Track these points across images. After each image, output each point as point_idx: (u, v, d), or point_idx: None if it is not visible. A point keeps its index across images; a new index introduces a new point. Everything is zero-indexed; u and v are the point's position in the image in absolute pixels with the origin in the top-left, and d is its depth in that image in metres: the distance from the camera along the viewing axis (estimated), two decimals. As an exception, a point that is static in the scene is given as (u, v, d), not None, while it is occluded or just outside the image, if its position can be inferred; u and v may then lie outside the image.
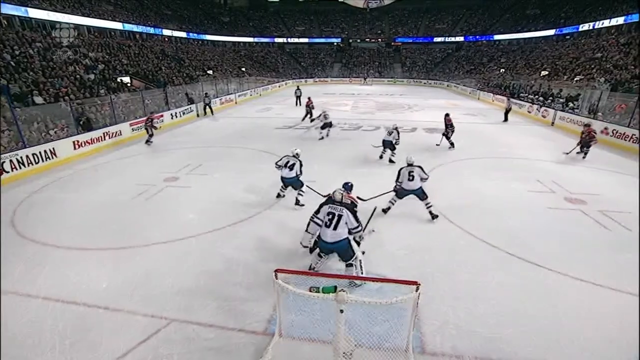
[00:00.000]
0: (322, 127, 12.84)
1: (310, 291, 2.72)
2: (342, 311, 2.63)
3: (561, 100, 18.15)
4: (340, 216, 4.12)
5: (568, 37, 34.64)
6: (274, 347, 3.40)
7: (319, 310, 3.52)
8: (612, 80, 18.69)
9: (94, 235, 5.84)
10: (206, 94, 18.93)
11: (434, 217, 6.26)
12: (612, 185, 8.19)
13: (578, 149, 10.30)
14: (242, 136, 13.57)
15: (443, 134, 11.58)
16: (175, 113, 16.64)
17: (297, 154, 6.87)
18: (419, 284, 2.85)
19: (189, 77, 25.85)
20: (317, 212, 4.35)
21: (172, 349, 3.53)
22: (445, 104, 24.05)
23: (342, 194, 4.33)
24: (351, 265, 4.24)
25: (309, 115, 15.83)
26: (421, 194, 6.24)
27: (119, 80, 18.54)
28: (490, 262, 5.07)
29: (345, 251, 4.23)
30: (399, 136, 9.88)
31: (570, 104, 17.09)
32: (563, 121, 15.57)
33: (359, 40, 52.82)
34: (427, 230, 6.03)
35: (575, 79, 22.49)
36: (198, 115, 18.38)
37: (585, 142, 10.12)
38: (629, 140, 11.50)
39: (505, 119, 17.33)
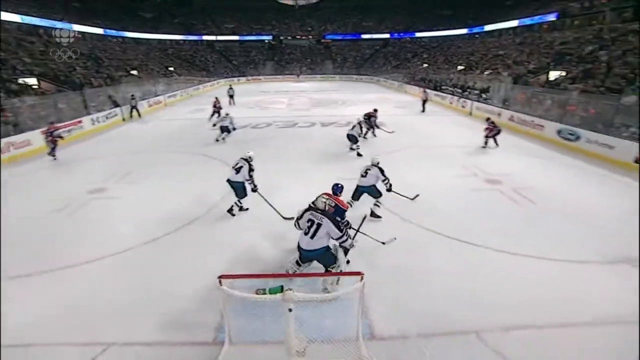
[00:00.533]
0: (222, 130, 12.03)
1: (257, 293, 2.70)
2: (290, 310, 2.66)
3: (476, 92, 20.15)
4: (319, 225, 3.94)
5: (477, 36, 38.63)
6: (225, 356, 3.31)
7: (268, 312, 3.50)
8: (513, 75, 21.24)
9: (2, 263, 5.09)
10: (132, 95, 17.44)
11: (374, 215, 6.23)
12: (519, 166, 9.36)
13: (492, 141, 11.07)
14: (174, 139, 12.83)
15: (373, 128, 12.27)
16: (97, 118, 15.06)
17: (249, 157, 6.21)
18: (363, 274, 2.99)
19: (110, 78, 23.58)
20: (300, 217, 4.17)
21: (112, 376, 3.26)
22: (376, 98, 25.19)
23: (324, 202, 4.18)
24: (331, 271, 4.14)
25: (216, 115, 15.80)
26: (374, 193, 6.22)
27: (21, 81, 16.25)
28: (429, 246, 5.48)
29: (323, 258, 4.13)
30: (361, 130, 10.43)
31: (484, 95, 19.07)
32: (479, 110, 17.29)
33: (289, 38, 52.84)
34: (369, 222, 6.27)
35: (485, 73, 25.09)
36: (124, 120, 16.89)
37: (492, 134, 11.01)
38: (529, 125, 13.26)
39: (423, 110, 18.63)
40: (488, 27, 36.46)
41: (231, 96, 21.58)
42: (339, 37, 52.35)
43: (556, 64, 19.87)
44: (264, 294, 2.72)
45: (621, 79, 14.08)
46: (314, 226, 3.93)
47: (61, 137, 10.58)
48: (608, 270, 4.82)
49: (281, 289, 2.67)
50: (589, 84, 15.23)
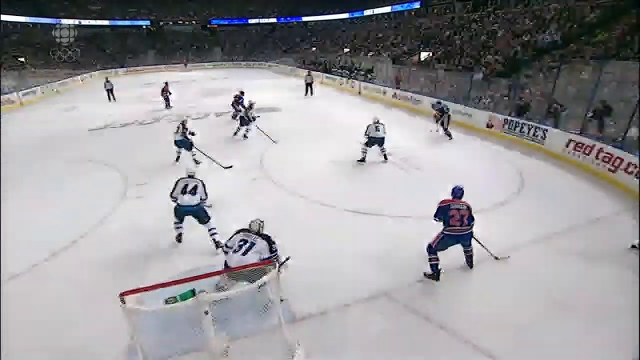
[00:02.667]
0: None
1: (167, 303, 2.53)
2: (207, 312, 2.57)
3: (362, 72, 21.67)
4: (253, 244, 3.81)
5: (358, 20, 41.15)
6: (141, 377, 3.04)
7: (184, 320, 3.32)
8: (392, 56, 23.44)
9: None
10: None
11: (386, 158, 8.48)
12: (404, 138, 10.49)
13: (440, 129, 10.62)
14: (42, 146, 10.59)
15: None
16: None
17: (194, 172, 5.34)
18: (276, 262, 3.05)
19: None
20: (229, 239, 3.97)
21: None
22: (270, 83, 25.05)
23: (259, 224, 3.99)
24: None
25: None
26: (382, 142, 8.32)
27: None
28: (333, 221, 5.86)
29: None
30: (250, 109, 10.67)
31: (369, 75, 20.65)
32: (367, 90, 18.74)
33: (171, 23, 48.22)
34: (270, 204, 6.39)
35: (369, 54, 27.07)
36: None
37: (443, 121, 10.44)
38: (409, 101, 14.95)
39: (311, 93, 18.67)
40: (367, 12, 39.21)
41: (109, 90, 18.81)
42: (226, 22, 49.89)
43: (424, 46, 22.55)
44: (175, 302, 2.55)
45: (471, 59, 16.80)
46: (247, 244, 3.83)
47: None
48: (483, 218, 5.82)
49: (193, 293, 2.54)
50: (449, 63, 17.76)
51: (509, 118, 10.24)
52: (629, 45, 11.84)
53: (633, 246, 4.93)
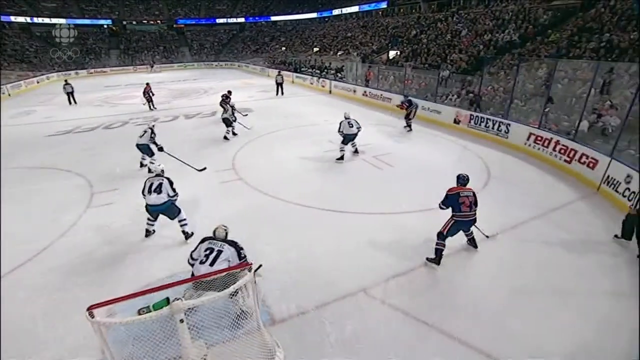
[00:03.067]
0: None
1: (141, 314, 2.45)
2: (182, 321, 2.52)
3: (332, 71, 21.81)
4: (220, 252, 3.62)
5: (326, 19, 41.35)
6: (115, 393, 2.93)
7: (159, 329, 3.23)
8: (361, 54, 23.76)
9: None
10: None
11: (357, 151, 8.87)
12: (375, 135, 10.69)
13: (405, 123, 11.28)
14: None
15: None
16: None
17: (162, 170, 5.30)
18: (251, 264, 3.03)
19: None
20: (194, 250, 3.78)
21: None
22: (240, 84, 24.69)
23: (225, 230, 3.84)
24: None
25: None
26: (355, 137, 8.50)
27: None
28: (307, 221, 5.86)
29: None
30: (234, 112, 10.72)
31: (339, 74, 20.81)
32: (337, 89, 18.87)
33: (135, 23, 46.29)
34: (244, 206, 6.36)
35: (338, 53, 27.30)
36: None
37: (410, 112, 11.07)
38: (379, 99, 15.21)
39: (282, 93, 18.71)
40: (335, 12, 39.54)
41: (69, 93, 17.77)
42: (193, 22, 48.63)
43: (392, 45, 23.02)
44: (149, 312, 2.48)
45: (437, 57, 17.32)
46: (214, 253, 3.65)
47: None
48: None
49: (167, 302, 2.49)
50: (417, 61, 18.23)
51: (475, 114, 10.66)
52: (578, 45, 12.64)
53: (616, 236, 5.22)
